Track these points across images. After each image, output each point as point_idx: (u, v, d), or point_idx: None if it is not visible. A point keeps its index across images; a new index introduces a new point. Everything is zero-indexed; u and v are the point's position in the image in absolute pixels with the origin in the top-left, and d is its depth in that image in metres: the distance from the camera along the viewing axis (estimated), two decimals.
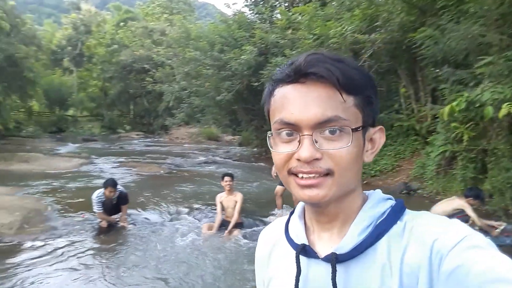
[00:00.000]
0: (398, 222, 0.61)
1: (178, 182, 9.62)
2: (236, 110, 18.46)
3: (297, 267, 0.64)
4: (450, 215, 5.08)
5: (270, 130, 0.64)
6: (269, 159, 15.18)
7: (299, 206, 0.73)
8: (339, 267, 0.60)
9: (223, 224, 5.65)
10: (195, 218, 6.33)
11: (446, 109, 5.65)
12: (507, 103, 4.85)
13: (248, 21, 16.06)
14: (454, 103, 5.54)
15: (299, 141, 0.59)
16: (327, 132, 0.58)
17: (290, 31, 11.94)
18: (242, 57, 13.09)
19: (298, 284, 0.63)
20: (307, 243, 0.66)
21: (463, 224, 0.58)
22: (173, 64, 21.54)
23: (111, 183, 5.64)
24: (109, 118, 36.84)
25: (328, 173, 0.58)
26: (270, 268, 0.75)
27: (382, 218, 0.62)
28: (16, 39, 19.37)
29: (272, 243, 0.76)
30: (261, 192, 8.87)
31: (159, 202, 7.22)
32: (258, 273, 0.81)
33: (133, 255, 4.68)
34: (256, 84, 13.21)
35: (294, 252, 0.67)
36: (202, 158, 15.63)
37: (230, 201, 5.60)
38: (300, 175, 0.59)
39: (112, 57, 34.04)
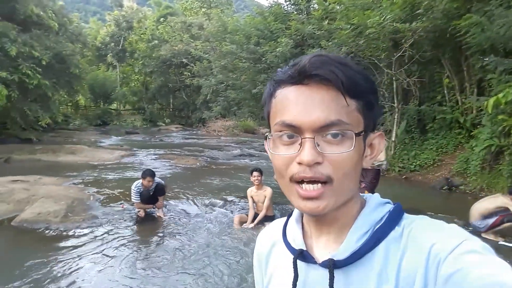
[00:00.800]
0: (396, 227, 0.60)
1: (213, 175, 9.79)
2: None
3: (294, 272, 0.64)
4: (493, 213, 4.81)
5: (270, 130, 0.63)
6: None
7: (297, 210, 0.72)
8: (336, 273, 0.60)
9: (254, 218, 5.69)
10: (228, 210, 6.43)
11: (491, 100, 5.31)
12: None
13: (285, 12, 15.91)
14: (501, 95, 5.19)
15: (300, 144, 0.57)
16: (329, 136, 0.57)
17: (326, 21, 11.70)
18: (278, 49, 13.02)
19: None
20: (304, 248, 0.65)
21: (461, 228, 0.57)
22: (210, 58, 21.88)
23: (149, 173, 5.84)
24: (150, 112, 38.14)
25: (327, 181, 0.57)
26: (268, 270, 0.75)
27: (380, 224, 0.61)
28: (64, 37, 20.42)
29: (270, 244, 0.76)
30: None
31: (194, 193, 7.38)
32: (256, 274, 0.81)
33: (166, 245, 4.83)
34: None
35: (291, 255, 0.67)
36: (237, 151, 15.77)
37: (260, 195, 5.62)
38: (302, 185, 0.58)
39: (152, 52, 35.09)
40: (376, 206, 0.64)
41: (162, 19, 39.33)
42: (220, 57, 18.08)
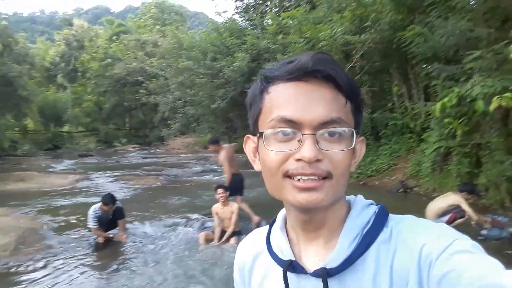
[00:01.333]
0: (384, 228, 0.59)
1: (175, 193, 9.56)
2: (231, 117, 18.50)
3: (285, 285, 0.62)
4: (447, 211, 5.05)
5: (256, 129, 0.62)
6: None
7: (280, 217, 0.70)
8: (329, 281, 0.58)
9: (222, 235, 5.60)
10: (192, 229, 6.28)
11: (438, 105, 5.65)
12: (497, 97, 4.84)
13: (239, 28, 16.16)
14: (446, 99, 5.54)
15: (300, 141, 0.56)
16: (327, 134, 0.56)
17: (281, 35, 12.00)
18: (235, 64, 13.15)
19: None
20: (293, 259, 0.63)
21: (450, 227, 0.57)
22: (166, 75, 21.60)
23: (110, 199, 5.57)
24: (104, 132, 36.76)
25: (326, 176, 0.56)
26: (252, 283, 0.71)
27: (368, 227, 0.60)
28: (9, 58, 19.38)
29: (252, 256, 0.72)
30: (259, 198, 8.81)
31: (156, 214, 7.16)
32: (237, 287, 0.78)
33: (129, 271, 4.61)
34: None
35: (279, 267, 0.64)
36: (199, 168, 15.56)
37: (226, 212, 5.55)
38: (297, 178, 0.56)
39: (105, 71, 34.13)
40: (362, 209, 0.62)
41: (114, 37, 38.49)
42: (177, 74, 17.93)
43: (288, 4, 16.38)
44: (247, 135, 0.68)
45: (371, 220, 0.61)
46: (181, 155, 23.29)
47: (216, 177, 12.54)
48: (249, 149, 0.68)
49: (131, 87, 33.54)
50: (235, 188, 6.34)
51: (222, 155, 6.59)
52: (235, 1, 17.27)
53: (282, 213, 0.70)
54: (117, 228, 5.83)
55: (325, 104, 0.56)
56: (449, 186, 8.17)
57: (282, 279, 0.62)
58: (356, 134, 0.58)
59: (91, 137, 36.74)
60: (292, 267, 0.62)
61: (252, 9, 17.50)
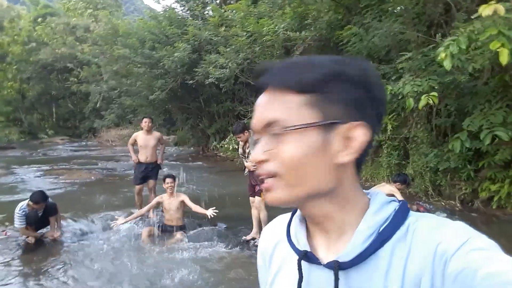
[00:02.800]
0: (401, 227, 0.59)
1: (112, 188, 9.13)
2: (170, 109, 18.00)
3: (299, 274, 0.63)
4: None
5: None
6: (206, 158, 14.87)
7: None
8: (341, 274, 0.60)
9: (165, 229, 5.47)
10: (134, 224, 6.04)
11: None
12: (425, 95, 5.32)
13: (179, 17, 15.69)
14: None
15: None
16: (272, 133, 0.58)
17: (223, 28, 11.91)
18: (176, 54, 12.77)
19: None
20: (308, 249, 0.64)
21: (466, 225, 0.57)
22: (100, 63, 20.34)
23: (40, 197, 5.08)
24: (28, 123, 33.66)
25: (274, 175, 0.58)
26: (271, 270, 0.73)
27: (386, 224, 0.60)
28: None
29: (274, 242, 0.74)
30: (202, 192, 8.76)
31: (93, 210, 6.77)
32: (261, 273, 0.79)
33: (66, 274, 4.33)
34: (190, 82, 12.99)
35: (296, 255, 0.66)
36: None
37: (172, 203, 5.43)
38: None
39: (29, 56, 31.11)
40: (382, 206, 0.62)
41: (40, 19, 35.21)
42: (112, 62, 16.97)
43: None
44: None
45: (389, 217, 0.60)
46: (116, 147, 22.18)
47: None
48: None
49: (59, 75, 31.10)
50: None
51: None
52: None
53: None
54: (49, 226, 5.43)
55: (264, 108, 0.60)
56: (380, 176, 8.82)
57: (297, 268, 0.64)
58: (331, 124, 0.57)
59: (13, 128, 33.37)
60: (306, 257, 0.64)
61: None
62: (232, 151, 14.34)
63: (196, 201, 6.73)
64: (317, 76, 0.57)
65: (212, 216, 5.06)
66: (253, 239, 5.24)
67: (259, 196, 5.00)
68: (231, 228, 5.83)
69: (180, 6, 16.43)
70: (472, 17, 4.39)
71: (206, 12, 16.17)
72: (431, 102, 5.18)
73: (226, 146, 14.39)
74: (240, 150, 5.18)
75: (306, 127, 0.57)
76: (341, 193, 0.61)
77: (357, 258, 0.58)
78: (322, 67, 0.58)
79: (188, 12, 16.22)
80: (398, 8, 7.69)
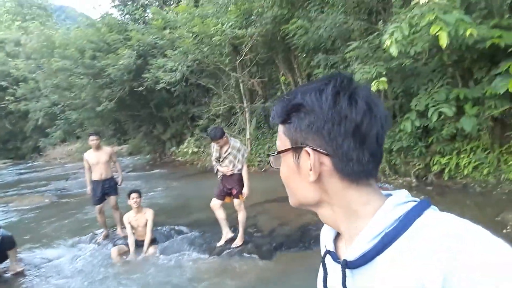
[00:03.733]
0: (407, 231, 0.59)
1: (69, 208, 8.66)
2: (120, 118, 17.36)
3: (323, 270, 0.74)
4: None
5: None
6: (165, 165, 14.50)
7: None
8: (353, 273, 0.65)
9: (136, 245, 5.30)
10: (101, 245, 5.79)
11: None
12: (375, 81, 5.58)
13: (119, 22, 15.10)
14: None
15: None
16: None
17: (168, 30, 11.63)
18: (120, 62, 12.29)
19: (326, 285, 0.73)
20: (331, 249, 0.73)
21: (476, 232, 0.54)
22: (37, 78, 19.05)
23: None
24: None
25: None
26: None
27: (393, 226, 0.61)
28: None
29: (324, 240, 0.81)
30: (167, 200, 8.58)
31: (54, 236, 6.40)
32: None
33: None
34: (140, 88, 12.59)
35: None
36: None
37: (139, 219, 5.25)
38: None
39: None
40: (394, 207, 0.63)
41: None
42: (51, 76, 15.92)
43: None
44: None
45: (399, 219, 0.61)
46: (66, 165, 21.03)
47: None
48: None
49: None
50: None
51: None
52: None
53: None
54: (8, 260, 5.05)
55: None
56: None
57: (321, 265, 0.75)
58: (298, 148, 0.67)
59: None
60: (331, 255, 0.72)
61: (130, 2, 16.55)
62: (192, 155, 14.13)
63: (160, 210, 6.59)
64: (283, 109, 0.69)
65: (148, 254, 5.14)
66: (232, 241, 5.16)
67: (238, 198, 4.97)
68: (204, 234, 5.76)
69: (118, 11, 15.83)
70: (412, 3, 4.65)
71: (147, 15, 15.72)
72: (381, 87, 5.44)
73: (185, 150, 14.14)
74: (216, 154, 5.06)
75: (281, 153, 0.70)
76: (335, 203, 0.68)
77: (361, 259, 0.63)
78: (289, 101, 0.68)
79: (127, 16, 15.66)
80: None
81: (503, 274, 0.48)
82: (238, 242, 5.03)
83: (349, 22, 7.69)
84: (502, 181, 5.83)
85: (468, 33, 4.14)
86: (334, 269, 0.71)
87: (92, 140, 5.97)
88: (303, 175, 0.67)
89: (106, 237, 5.99)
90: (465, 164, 6.29)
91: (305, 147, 0.66)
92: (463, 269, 0.50)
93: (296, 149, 0.67)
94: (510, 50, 5.15)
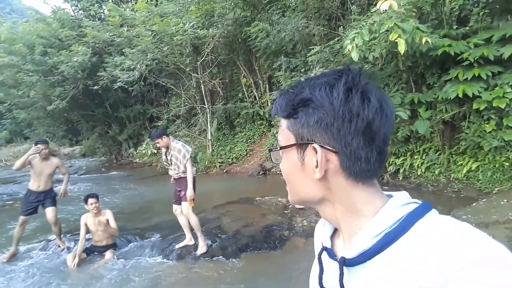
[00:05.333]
0: (408, 232, 0.59)
1: (17, 215, 8.08)
2: (73, 118, 16.56)
3: (319, 267, 0.72)
4: None
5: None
6: (121, 167, 13.96)
7: None
8: (350, 270, 0.64)
9: (94, 251, 5.07)
10: (54, 252, 5.47)
11: None
12: None
13: (72, 18, 14.39)
14: None
15: None
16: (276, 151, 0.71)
17: (126, 28, 11.26)
18: (74, 59, 11.71)
19: (321, 282, 0.71)
20: (328, 246, 0.72)
21: (477, 235, 0.54)
22: None
23: None
24: None
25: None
26: (314, 263, 0.81)
27: (393, 227, 0.61)
28: None
29: (318, 238, 0.81)
30: (126, 203, 8.28)
31: (3, 243, 5.96)
32: None
33: None
34: (95, 87, 12.08)
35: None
36: None
37: (98, 223, 4.99)
38: None
39: None
40: (396, 207, 0.63)
41: None
42: None
43: None
44: None
45: (400, 220, 0.61)
46: (13, 167, 19.64)
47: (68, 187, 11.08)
48: None
49: None
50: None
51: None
52: None
53: None
54: None
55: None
56: None
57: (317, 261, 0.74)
58: (303, 144, 0.65)
59: None
60: (327, 252, 0.71)
61: None
62: (150, 156, 13.77)
63: (119, 214, 6.34)
64: (288, 103, 0.67)
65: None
66: (188, 245, 5.10)
67: (185, 201, 4.87)
68: (165, 238, 5.62)
69: (72, 6, 15.08)
70: (372, 11, 4.85)
71: (102, 11, 15.11)
72: None
73: (143, 151, 13.74)
74: (164, 157, 4.98)
75: (285, 148, 0.68)
76: (337, 200, 0.66)
77: (360, 257, 0.62)
78: (295, 95, 0.66)
79: (81, 12, 14.97)
80: (300, 3, 8.13)
81: (503, 270, 0.48)
82: (201, 249, 4.90)
83: (310, 26, 7.89)
84: (452, 180, 6.23)
85: (423, 40, 4.39)
86: (329, 266, 0.70)
87: (39, 149, 5.29)
88: (307, 172, 0.65)
89: (13, 256, 5.29)
90: (418, 164, 6.64)
91: (312, 143, 0.63)
92: (463, 270, 0.50)
93: (302, 145, 0.65)
94: (458, 58, 5.53)
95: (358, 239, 0.64)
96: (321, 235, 0.77)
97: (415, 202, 0.64)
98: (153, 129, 4.90)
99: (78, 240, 5.49)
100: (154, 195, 8.88)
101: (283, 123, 0.68)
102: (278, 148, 0.69)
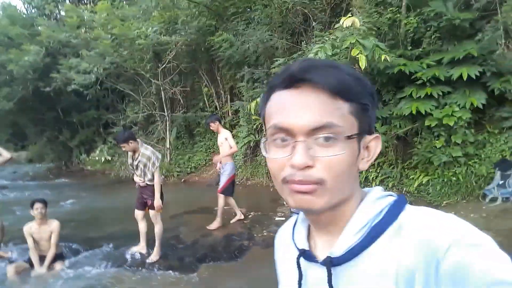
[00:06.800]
0: (394, 223, 0.59)
1: None
2: (19, 121, 15.54)
3: (298, 272, 0.66)
4: None
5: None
6: (71, 174, 13.34)
7: None
8: (336, 270, 0.61)
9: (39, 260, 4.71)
10: None
11: (253, 104, 6.39)
12: None
13: (24, 15, 13.63)
14: (258, 99, 6.31)
15: (293, 147, 0.58)
16: (321, 139, 0.57)
17: (83, 29, 10.83)
18: (26, 58, 11.03)
19: None
20: (307, 248, 0.67)
21: (460, 220, 0.56)
22: None
23: None
24: None
25: (318, 183, 0.57)
26: (279, 269, 0.77)
27: (378, 219, 0.60)
28: None
29: (283, 244, 0.77)
30: (76, 212, 7.82)
31: None
32: (278, 270, 0.81)
33: None
34: (47, 89, 11.44)
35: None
36: None
37: (43, 232, 4.65)
38: (294, 185, 0.58)
39: None
40: (375, 200, 0.63)
41: None
42: None
43: None
44: (263, 137, 0.69)
45: (382, 212, 0.61)
46: None
47: (12, 193, 10.33)
48: (263, 150, 0.70)
49: None
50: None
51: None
52: None
53: None
54: None
55: (315, 109, 0.57)
56: (260, 174, 9.34)
57: (296, 266, 0.67)
58: (364, 134, 0.61)
59: None
60: (306, 255, 0.66)
61: None
62: (104, 164, 13.19)
63: (69, 223, 5.98)
64: (362, 87, 0.61)
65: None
66: (141, 254, 4.93)
67: (153, 209, 4.72)
68: (118, 247, 5.35)
69: (24, 4, 14.30)
70: (335, 27, 5.03)
71: (58, 11, 14.45)
72: None
73: (96, 158, 13.13)
74: (129, 161, 4.80)
75: (358, 136, 0.60)
76: (355, 197, 0.63)
77: (349, 253, 0.59)
78: (361, 78, 0.62)
79: (35, 10, 14.22)
80: (264, 16, 8.27)
81: (485, 255, 0.50)
82: (153, 257, 4.77)
83: (274, 39, 8.03)
84: (404, 193, 6.52)
85: (383, 58, 4.61)
86: (309, 270, 0.66)
87: None
88: (356, 164, 0.60)
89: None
90: (373, 177, 6.88)
91: (377, 134, 0.64)
92: (452, 249, 0.51)
93: (363, 134, 0.61)
94: (413, 77, 5.86)
95: (343, 233, 0.61)
96: (289, 240, 0.73)
97: (390, 195, 0.64)
98: (120, 132, 4.69)
99: (21, 250, 5.14)
100: (106, 203, 8.49)
101: (343, 106, 0.58)
102: (353, 136, 0.58)
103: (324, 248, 0.65)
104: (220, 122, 5.75)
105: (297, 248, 0.68)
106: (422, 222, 0.57)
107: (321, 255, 0.64)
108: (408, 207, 0.61)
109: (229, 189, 5.76)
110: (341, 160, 0.57)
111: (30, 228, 4.64)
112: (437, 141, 5.82)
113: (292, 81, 0.58)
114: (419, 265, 0.53)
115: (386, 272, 0.56)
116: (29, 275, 4.53)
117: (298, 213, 0.74)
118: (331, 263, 0.60)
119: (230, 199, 5.85)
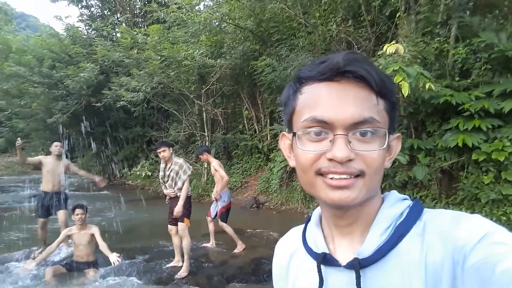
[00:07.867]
0: (418, 222, 0.60)
1: (8, 224, 7.88)
2: (71, 133, 16.55)
3: (319, 278, 0.63)
4: None
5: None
6: (113, 187, 13.81)
7: (315, 214, 0.71)
8: (362, 273, 0.59)
9: (75, 267, 4.87)
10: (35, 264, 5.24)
11: None
12: None
13: (85, 37, 14.74)
14: None
15: (332, 141, 0.57)
16: (358, 133, 0.57)
17: (135, 50, 11.51)
18: (81, 74, 11.87)
19: None
20: (327, 252, 0.65)
21: (484, 218, 0.56)
22: None
23: None
24: None
25: (359, 175, 0.57)
26: (290, 280, 0.72)
27: (401, 219, 0.61)
28: None
29: (289, 253, 0.74)
30: (113, 223, 8.06)
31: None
32: (276, 285, 0.78)
33: None
34: (98, 104, 12.16)
35: (314, 261, 0.65)
36: (29, 191, 13.23)
37: (83, 236, 4.86)
38: (330, 176, 0.57)
39: None
40: (395, 202, 0.64)
41: None
42: (1, 80, 15.03)
43: (140, 21, 15.95)
44: (282, 132, 0.70)
45: (404, 213, 0.62)
46: (4, 177, 19.37)
47: None
48: (284, 145, 0.69)
49: None
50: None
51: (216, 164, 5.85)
52: (80, 8, 15.76)
53: (317, 210, 0.72)
54: None
55: (357, 104, 0.57)
56: (295, 199, 9.20)
57: (317, 272, 0.64)
58: (390, 132, 0.61)
59: None
60: (325, 260, 0.64)
61: (99, 18, 16.30)
62: (144, 179, 13.61)
63: (105, 233, 6.16)
64: (393, 86, 0.62)
65: (115, 263, 4.75)
66: (174, 268, 4.96)
67: (182, 222, 4.79)
68: (150, 261, 5.43)
69: (85, 26, 15.50)
70: (378, 53, 4.98)
71: (114, 33, 15.52)
72: None
73: (138, 173, 13.59)
74: (161, 174, 4.93)
75: (390, 132, 0.61)
76: (378, 196, 0.65)
77: (377, 254, 0.59)
78: (388, 76, 0.63)
79: (94, 32, 15.35)
80: (308, 43, 8.37)
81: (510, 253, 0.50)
82: (182, 273, 4.79)
83: None
84: None
85: (427, 86, 4.47)
86: (329, 275, 0.63)
87: (56, 146, 5.76)
88: (385, 160, 0.60)
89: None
90: None
91: (398, 133, 0.66)
92: (479, 243, 0.52)
93: (392, 132, 0.62)
94: (459, 108, 5.62)
95: (369, 233, 0.61)
96: (297, 248, 0.72)
97: (406, 199, 0.66)
98: (159, 141, 5.08)
99: (58, 253, 5.35)
100: (143, 217, 8.70)
101: (380, 102, 0.59)
102: (390, 131, 0.60)
103: (346, 250, 0.64)
104: (209, 153, 5.94)
105: (314, 253, 0.66)
106: (447, 221, 0.57)
107: (343, 258, 0.63)
108: (427, 209, 0.62)
109: (223, 216, 5.82)
110: (379, 155, 0.58)
111: (70, 230, 4.86)
112: (485, 177, 5.48)
113: (333, 73, 0.58)
114: (446, 260, 0.53)
115: (414, 269, 0.56)
116: (65, 279, 4.69)
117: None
118: (359, 264, 0.59)
119: (229, 228, 5.79)
